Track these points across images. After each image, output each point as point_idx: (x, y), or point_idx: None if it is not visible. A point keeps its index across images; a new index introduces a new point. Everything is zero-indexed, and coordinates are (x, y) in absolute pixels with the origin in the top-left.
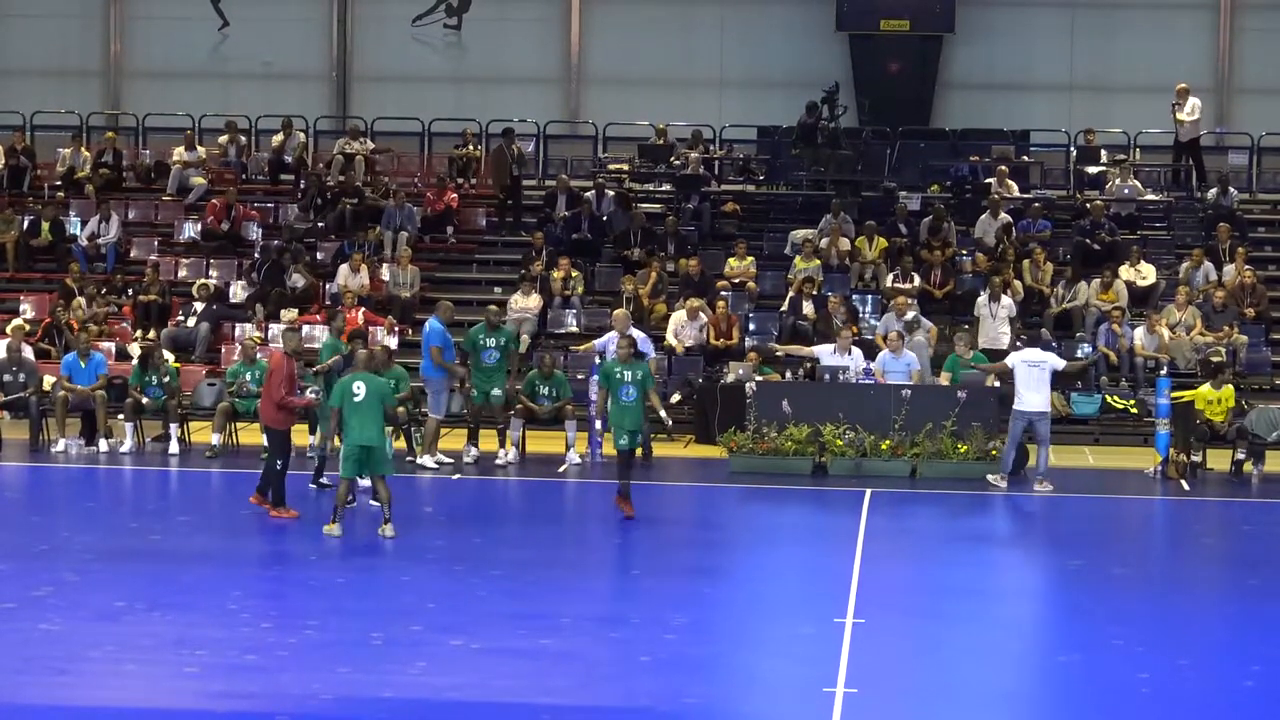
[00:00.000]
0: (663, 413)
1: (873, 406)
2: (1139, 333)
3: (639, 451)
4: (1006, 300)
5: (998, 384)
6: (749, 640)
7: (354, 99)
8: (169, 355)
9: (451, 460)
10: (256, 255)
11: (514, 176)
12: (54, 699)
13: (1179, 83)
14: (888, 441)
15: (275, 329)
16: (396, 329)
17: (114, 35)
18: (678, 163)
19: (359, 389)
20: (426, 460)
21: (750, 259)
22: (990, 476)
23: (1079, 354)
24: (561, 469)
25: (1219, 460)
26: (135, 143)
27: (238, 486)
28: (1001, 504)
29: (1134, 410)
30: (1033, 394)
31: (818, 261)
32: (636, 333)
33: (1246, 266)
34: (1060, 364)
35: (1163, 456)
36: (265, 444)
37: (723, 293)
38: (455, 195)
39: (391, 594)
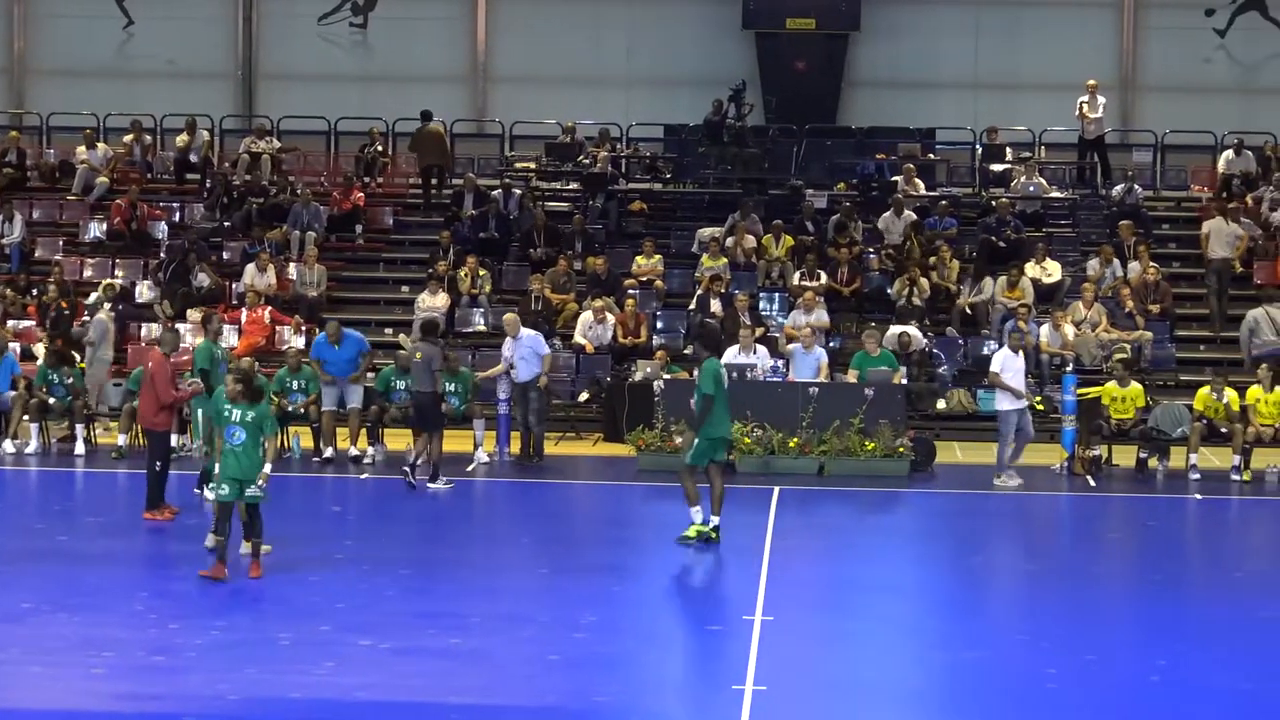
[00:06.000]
0: (267, 467)
1: (780, 404)
2: (1044, 330)
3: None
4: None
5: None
6: (658, 638)
7: (260, 98)
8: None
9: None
10: (162, 255)
11: (446, 154)
12: None
13: (1086, 80)
14: (795, 439)
15: (183, 328)
16: (303, 328)
17: (18, 33)
18: (585, 161)
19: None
20: (328, 452)
21: (658, 257)
22: None
23: (984, 350)
24: (470, 468)
25: (1125, 456)
26: (39, 142)
27: (145, 488)
28: (909, 501)
29: (1040, 407)
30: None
31: (725, 260)
32: (528, 332)
33: (1151, 264)
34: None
35: (1069, 452)
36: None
37: (630, 291)
38: (362, 194)
39: (299, 594)
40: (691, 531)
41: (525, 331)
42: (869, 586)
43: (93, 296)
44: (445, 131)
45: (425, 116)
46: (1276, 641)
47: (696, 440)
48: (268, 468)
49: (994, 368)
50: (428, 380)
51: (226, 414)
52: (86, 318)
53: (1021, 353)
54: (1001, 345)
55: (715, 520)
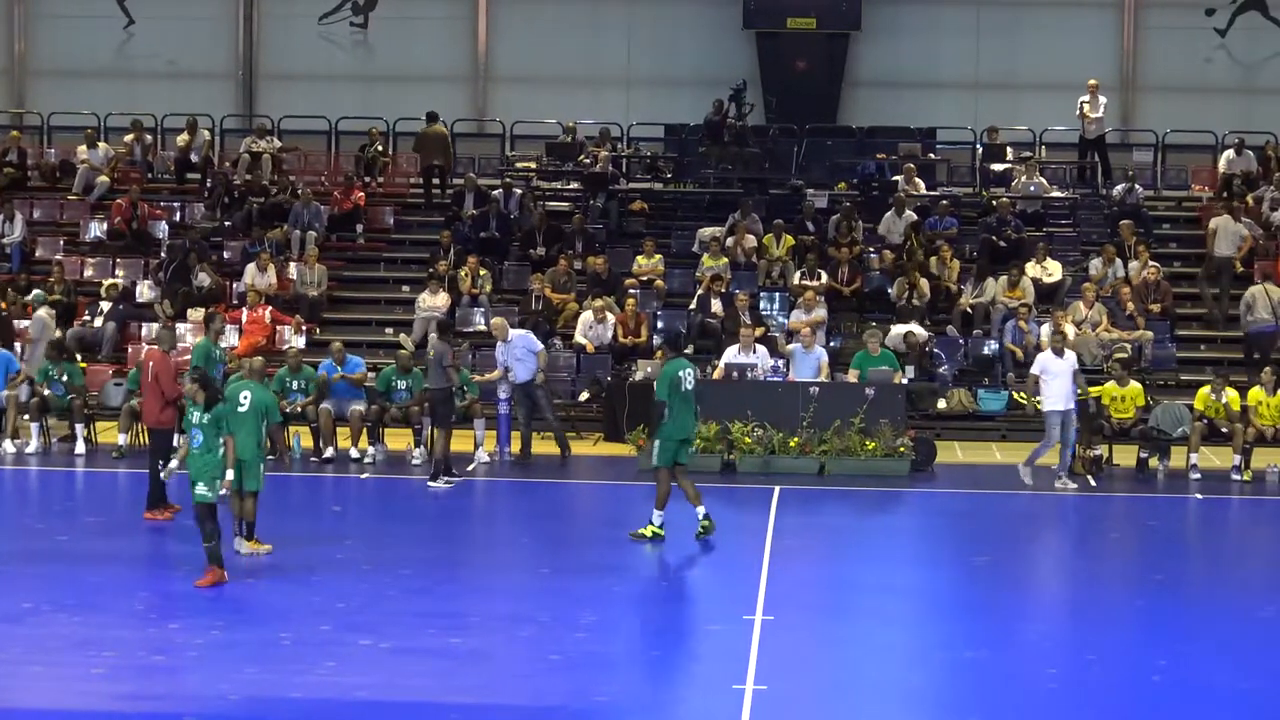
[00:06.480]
0: (229, 474)
1: (781, 404)
2: (1045, 329)
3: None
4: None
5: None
6: (658, 638)
7: (260, 97)
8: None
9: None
10: (163, 255)
11: (449, 155)
12: None
13: (1087, 79)
14: (796, 439)
15: (183, 328)
16: (304, 328)
17: (18, 33)
18: (586, 161)
19: (244, 398)
20: (328, 452)
21: (658, 257)
22: None
23: (984, 350)
24: (470, 467)
25: (1125, 456)
26: (40, 141)
27: (145, 487)
28: (909, 501)
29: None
30: None
31: (725, 259)
32: (517, 332)
33: (1152, 264)
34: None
35: (1070, 452)
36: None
37: (631, 291)
38: (362, 194)
39: (299, 594)
40: (647, 530)
41: (514, 332)
42: (869, 586)
43: (33, 293)
44: (447, 131)
45: (431, 117)
46: (1276, 641)
47: (659, 443)
48: (230, 475)
49: (1034, 370)
50: (440, 376)
51: (189, 416)
52: (87, 316)
53: (1071, 353)
54: (1002, 344)
55: (702, 510)
